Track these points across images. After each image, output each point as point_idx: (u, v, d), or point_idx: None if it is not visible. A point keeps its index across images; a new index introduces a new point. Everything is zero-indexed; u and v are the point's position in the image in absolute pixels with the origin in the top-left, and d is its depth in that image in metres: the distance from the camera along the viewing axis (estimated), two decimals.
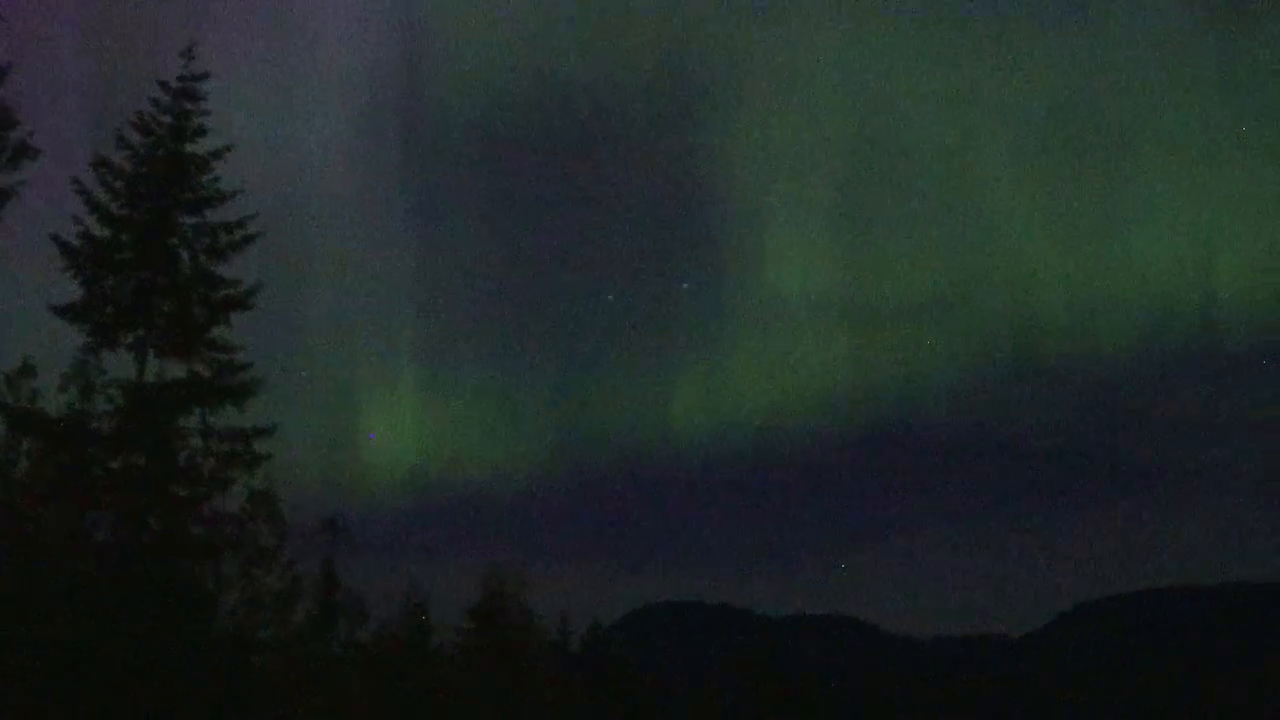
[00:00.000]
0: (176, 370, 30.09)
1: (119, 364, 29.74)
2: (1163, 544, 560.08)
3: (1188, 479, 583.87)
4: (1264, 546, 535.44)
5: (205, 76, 31.25)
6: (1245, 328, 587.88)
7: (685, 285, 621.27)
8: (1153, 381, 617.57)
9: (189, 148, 30.94)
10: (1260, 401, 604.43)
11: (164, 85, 31.06)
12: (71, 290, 29.71)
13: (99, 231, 29.98)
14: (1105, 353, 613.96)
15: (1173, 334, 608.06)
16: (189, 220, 30.72)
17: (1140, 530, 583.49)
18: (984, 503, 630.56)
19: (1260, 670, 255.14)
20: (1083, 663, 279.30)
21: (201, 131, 31.07)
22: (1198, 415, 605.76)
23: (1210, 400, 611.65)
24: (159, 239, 30.25)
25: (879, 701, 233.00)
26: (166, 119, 30.91)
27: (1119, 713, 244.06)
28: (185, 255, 30.55)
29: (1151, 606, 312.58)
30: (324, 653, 43.53)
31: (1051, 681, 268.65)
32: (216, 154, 31.04)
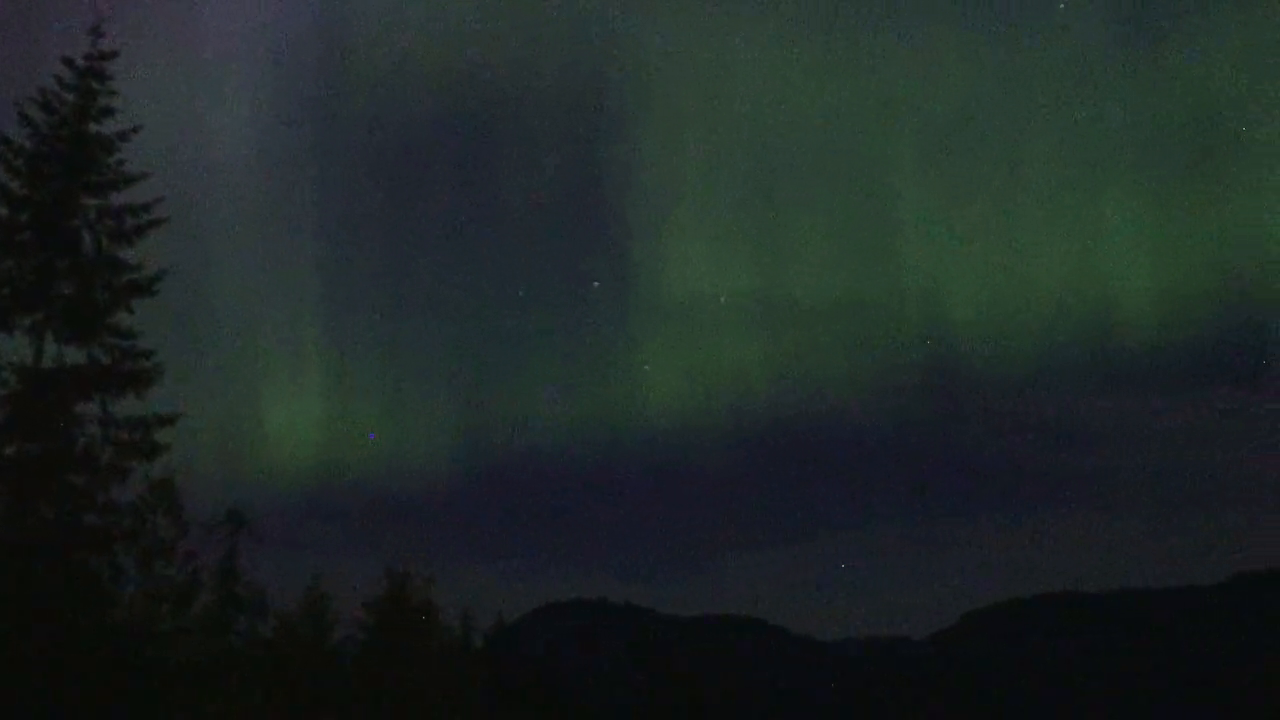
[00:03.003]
0: (76, 356, 29.41)
1: (15, 348, 28.98)
2: (1064, 549, 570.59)
3: (1086, 486, 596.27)
4: (1172, 552, 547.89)
5: (114, 55, 30.62)
6: (1138, 338, 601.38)
7: (596, 284, 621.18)
8: (1054, 388, 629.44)
9: (94, 128, 30.29)
10: (1155, 410, 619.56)
11: (70, 63, 30.35)
12: None
13: None
14: (1010, 359, 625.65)
15: (1072, 342, 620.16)
16: (93, 202, 30.05)
17: (1044, 534, 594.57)
18: (890, 505, 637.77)
19: (1152, 673, 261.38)
20: (985, 665, 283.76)
21: (108, 112, 30.40)
22: (1096, 422, 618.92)
23: (1108, 408, 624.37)
24: (61, 220, 29.54)
25: (784, 702, 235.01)
26: (71, 98, 30.22)
27: (1019, 714, 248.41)
28: (88, 238, 29.86)
29: (1051, 611, 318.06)
30: (223, 647, 42.83)
31: (954, 683, 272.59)
32: (123, 135, 30.39)
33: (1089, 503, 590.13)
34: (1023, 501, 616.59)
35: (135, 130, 30.57)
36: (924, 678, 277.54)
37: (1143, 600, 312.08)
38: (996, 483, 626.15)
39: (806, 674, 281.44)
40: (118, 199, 30.20)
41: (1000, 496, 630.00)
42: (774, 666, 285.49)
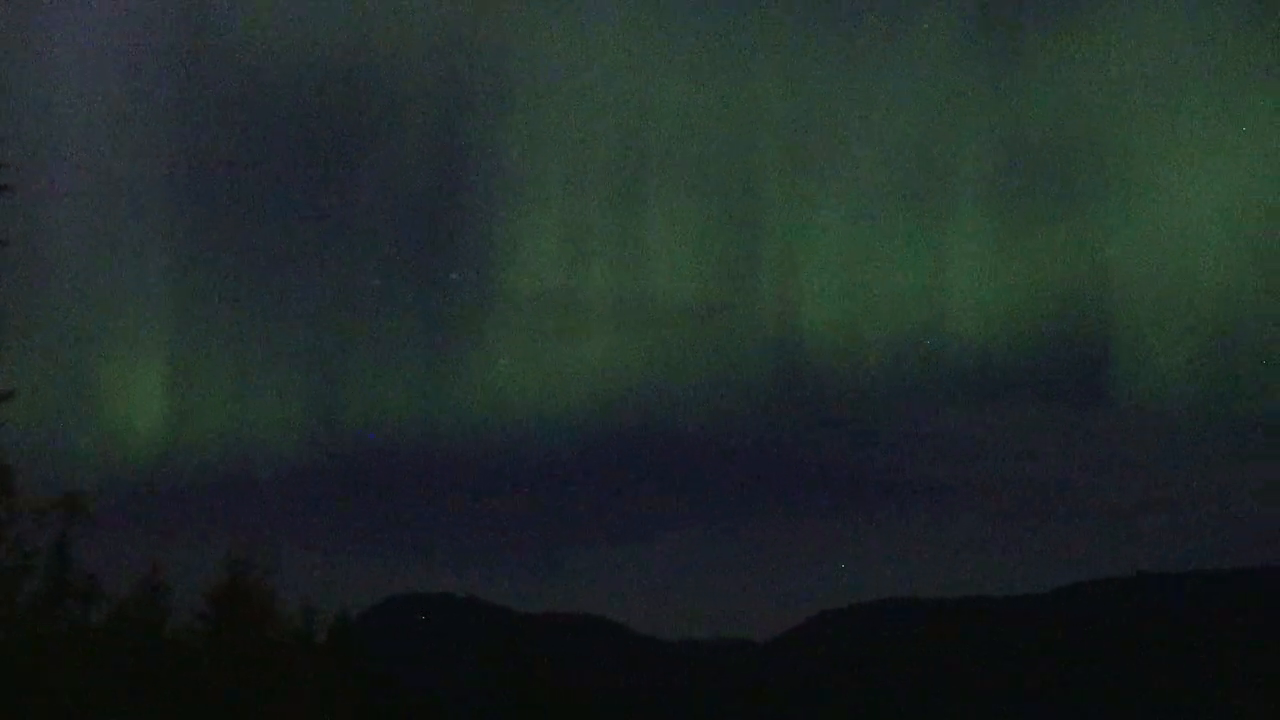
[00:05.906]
0: None
1: None
2: (907, 555, 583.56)
3: (932, 493, 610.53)
4: (1005, 562, 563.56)
5: None
6: (982, 352, 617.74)
7: (454, 275, 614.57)
8: (900, 398, 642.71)
9: None
10: (995, 423, 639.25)
11: None
12: None
13: None
14: (859, 368, 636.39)
15: (919, 353, 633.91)
16: None
17: (885, 541, 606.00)
18: (736, 507, 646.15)
19: (988, 678, 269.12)
20: (825, 669, 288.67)
21: None
22: (940, 433, 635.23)
23: (951, 419, 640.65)
24: None
25: (626, 702, 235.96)
26: None
27: (857, 717, 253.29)
28: None
29: (893, 616, 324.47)
30: (52, 633, 41.33)
31: (794, 687, 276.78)
32: None
33: (930, 511, 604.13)
34: (868, 508, 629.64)
35: None
36: (764, 680, 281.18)
37: (979, 607, 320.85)
38: (843, 489, 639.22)
39: (648, 674, 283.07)
40: None
41: (846, 502, 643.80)
42: (617, 666, 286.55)
